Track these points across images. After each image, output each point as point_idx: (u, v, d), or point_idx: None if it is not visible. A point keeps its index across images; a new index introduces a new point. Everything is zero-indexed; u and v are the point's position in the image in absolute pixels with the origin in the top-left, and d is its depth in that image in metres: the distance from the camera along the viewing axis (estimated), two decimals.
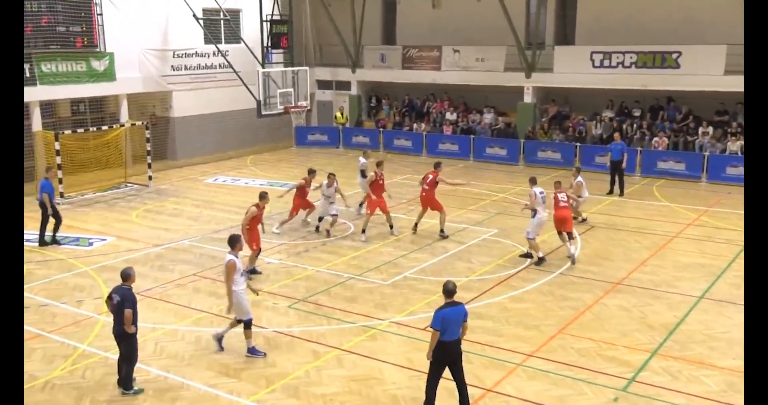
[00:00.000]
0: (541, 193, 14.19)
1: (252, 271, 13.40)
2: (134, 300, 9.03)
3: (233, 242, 10.19)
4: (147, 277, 13.64)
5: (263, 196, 13.54)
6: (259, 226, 13.39)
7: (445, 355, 8.44)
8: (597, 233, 16.52)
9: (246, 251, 12.73)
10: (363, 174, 17.93)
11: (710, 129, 23.37)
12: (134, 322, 8.99)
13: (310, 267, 14.29)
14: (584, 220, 17.10)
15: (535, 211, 14.11)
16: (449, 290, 8.55)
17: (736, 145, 22.51)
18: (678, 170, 22.48)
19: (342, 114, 29.93)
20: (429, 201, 16.06)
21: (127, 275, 9.18)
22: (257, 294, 10.89)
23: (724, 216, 18.21)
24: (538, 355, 10.37)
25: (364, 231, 15.84)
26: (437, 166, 16.15)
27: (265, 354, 10.33)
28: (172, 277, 13.68)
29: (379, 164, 16.44)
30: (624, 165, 20.30)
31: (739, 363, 10.03)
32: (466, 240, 15.98)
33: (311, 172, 16.84)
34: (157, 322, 11.47)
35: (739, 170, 21.54)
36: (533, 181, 14.53)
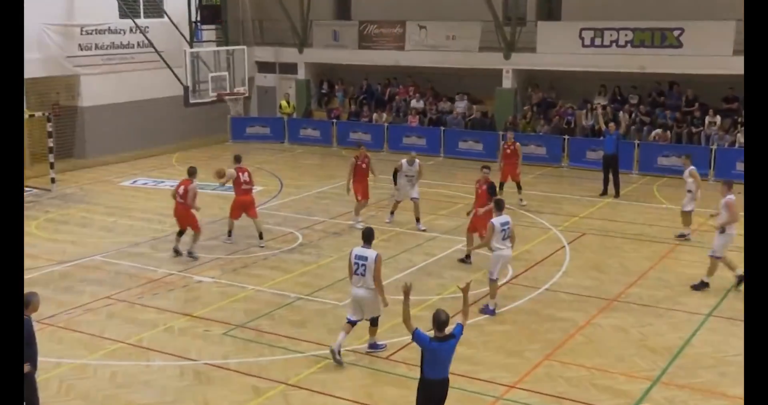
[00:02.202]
0: (504, 224, 12.60)
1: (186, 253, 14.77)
2: (31, 333, 8.73)
3: (369, 237, 10.91)
4: (50, 302, 13.37)
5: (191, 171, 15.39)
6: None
7: (429, 398, 8.25)
8: (589, 241, 16.76)
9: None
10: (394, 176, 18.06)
11: (718, 118, 23.91)
12: (31, 359, 8.65)
13: (249, 286, 14.20)
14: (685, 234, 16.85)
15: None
16: (441, 322, 8.19)
17: None
18: (682, 167, 22.85)
19: (288, 102, 29.88)
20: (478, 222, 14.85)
21: (26, 302, 8.85)
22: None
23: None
24: (521, 386, 10.44)
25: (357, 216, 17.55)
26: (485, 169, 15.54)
27: (386, 345, 11.31)
28: (81, 301, 13.48)
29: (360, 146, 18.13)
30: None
31: None
32: (436, 251, 16.06)
33: (237, 160, 17.15)
34: (63, 355, 11.27)
35: None
36: (499, 207, 12.75)
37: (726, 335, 12.02)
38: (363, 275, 10.79)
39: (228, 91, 26.69)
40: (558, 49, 25.72)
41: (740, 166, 22.28)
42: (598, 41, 25.34)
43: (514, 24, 26.50)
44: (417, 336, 8.25)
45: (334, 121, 28.85)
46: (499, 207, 12.66)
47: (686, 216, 16.87)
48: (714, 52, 23.31)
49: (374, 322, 11.21)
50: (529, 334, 12.09)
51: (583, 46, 25.54)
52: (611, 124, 21.20)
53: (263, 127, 29.51)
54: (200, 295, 13.84)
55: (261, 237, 16.43)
